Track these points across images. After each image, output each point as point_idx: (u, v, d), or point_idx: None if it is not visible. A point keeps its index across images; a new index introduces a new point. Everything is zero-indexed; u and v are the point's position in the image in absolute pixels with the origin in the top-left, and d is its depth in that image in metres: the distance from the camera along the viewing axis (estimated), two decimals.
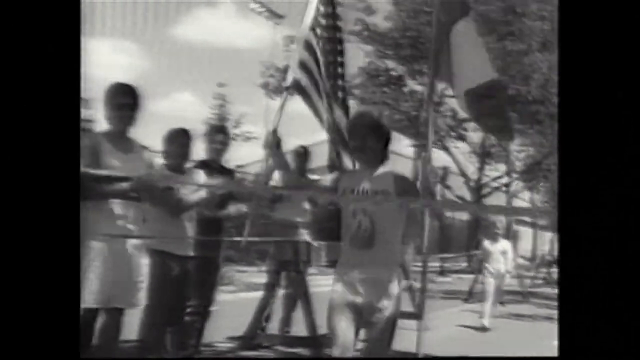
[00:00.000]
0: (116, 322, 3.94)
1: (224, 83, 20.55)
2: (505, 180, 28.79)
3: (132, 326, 4.24)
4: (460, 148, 26.41)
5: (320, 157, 5.53)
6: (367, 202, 3.47)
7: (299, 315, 5.96)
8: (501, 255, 9.63)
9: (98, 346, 3.91)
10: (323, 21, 4.48)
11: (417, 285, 8.65)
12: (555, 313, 2.41)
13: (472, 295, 12.49)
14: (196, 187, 4.48)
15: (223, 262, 5.38)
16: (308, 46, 4.35)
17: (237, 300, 9.42)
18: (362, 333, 3.48)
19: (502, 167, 28.95)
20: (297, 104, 4.53)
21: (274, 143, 3.85)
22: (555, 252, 23.03)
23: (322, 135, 4.84)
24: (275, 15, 27.92)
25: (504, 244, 9.93)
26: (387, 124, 3.74)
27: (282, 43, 20.22)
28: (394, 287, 3.41)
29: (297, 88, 4.32)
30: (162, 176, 4.30)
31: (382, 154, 3.61)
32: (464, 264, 25.45)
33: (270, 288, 6.26)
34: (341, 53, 4.67)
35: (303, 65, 4.31)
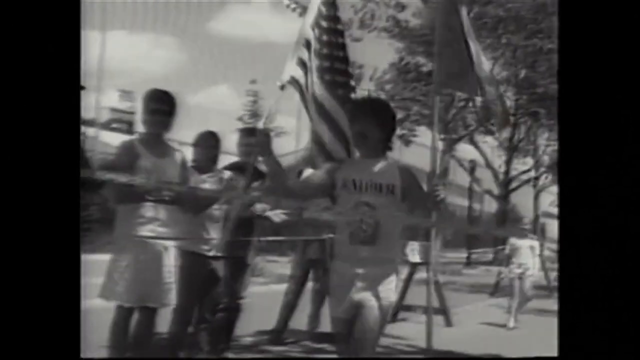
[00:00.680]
0: (149, 321, 4.00)
1: (255, 80, 20.53)
2: (533, 174, 28.46)
3: (165, 324, 4.29)
4: (488, 142, 26.18)
5: None
6: (371, 196, 3.17)
7: (326, 311, 5.94)
8: (529, 251, 9.31)
9: (132, 343, 3.98)
10: (324, 23, 4.19)
11: (441, 280, 8.67)
12: None
13: (498, 289, 12.31)
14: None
15: (255, 253, 5.37)
16: (308, 45, 4.05)
17: (268, 292, 9.44)
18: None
19: (530, 161, 28.63)
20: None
21: (265, 143, 3.42)
22: None
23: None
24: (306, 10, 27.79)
25: (531, 241, 9.65)
26: (399, 116, 3.54)
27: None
28: (392, 284, 3.19)
29: (294, 85, 4.03)
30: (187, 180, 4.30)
31: (384, 144, 3.33)
32: (491, 255, 25.25)
33: (298, 284, 6.26)
34: (340, 59, 4.29)
35: (301, 63, 4.01)
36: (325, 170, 3.41)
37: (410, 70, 20.67)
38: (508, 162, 27.99)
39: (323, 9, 4.19)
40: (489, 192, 29.33)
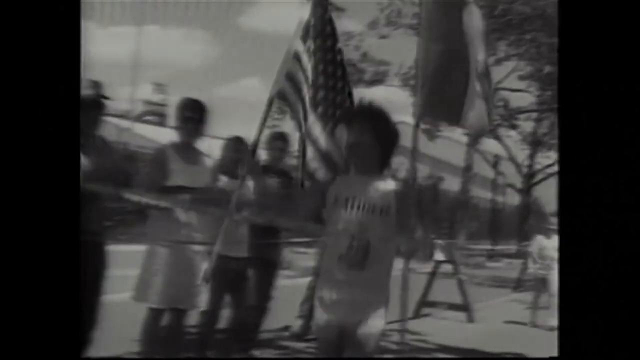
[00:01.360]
0: (179, 321, 4.06)
1: None
2: (556, 168, 28.11)
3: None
4: (512, 137, 25.93)
5: None
6: (364, 217, 2.82)
7: None
8: (553, 250, 9.10)
9: (163, 343, 4.03)
10: (317, 39, 3.66)
11: (464, 277, 8.59)
12: None
13: (521, 284, 12.15)
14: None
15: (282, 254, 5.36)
16: (297, 58, 3.57)
17: (295, 285, 9.42)
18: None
19: (554, 155, 28.27)
20: None
21: (254, 165, 3.19)
22: None
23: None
24: (336, 8, 27.75)
25: (556, 239, 9.44)
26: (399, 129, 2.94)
27: (341, 38, 20.09)
28: (381, 313, 2.85)
29: (282, 99, 3.61)
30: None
31: (382, 161, 2.92)
32: (515, 247, 25.04)
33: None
34: (334, 76, 3.69)
35: (290, 77, 3.55)
36: (312, 191, 3.15)
37: None
38: (531, 156, 27.70)
39: (313, 22, 3.71)
40: (512, 185, 29.09)
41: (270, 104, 3.59)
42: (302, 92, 3.62)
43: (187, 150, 4.11)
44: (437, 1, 3.54)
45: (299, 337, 5.90)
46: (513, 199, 31.39)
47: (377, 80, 19.12)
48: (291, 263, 11.86)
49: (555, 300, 8.94)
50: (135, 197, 3.87)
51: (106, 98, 3.75)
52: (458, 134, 22.05)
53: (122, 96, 28.63)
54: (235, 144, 4.57)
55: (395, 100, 19.16)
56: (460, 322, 8.05)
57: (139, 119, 31.51)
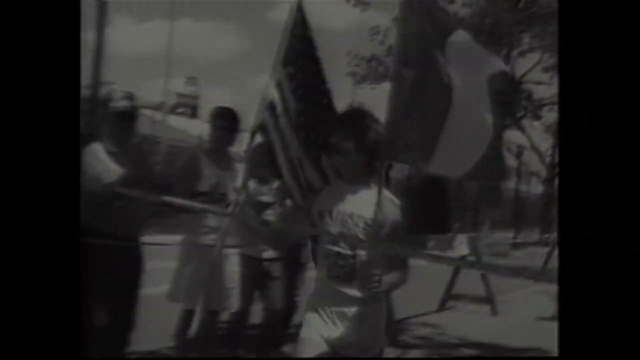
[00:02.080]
0: (211, 322, 4.12)
1: None
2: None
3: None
4: (535, 127, 25.59)
5: None
6: (349, 228, 2.64)
7: None
8: None
9: (194, 341, 4.09)
10: (299, 61, 3.13)
11: (487, 270, 8.48)
12: None
13: (544, 274, 11.95)
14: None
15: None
16: (279, 86, 3.15)
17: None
18: None
19: None
20: None
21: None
22: None
23: None
24: (361, 2, 27.57)
25: None
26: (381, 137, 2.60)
27: (367, 32, 19.98)
28: (374, 324, 2.72)
29: (263, 132, 3.19)
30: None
31: (367, 167, 2.66)
32: (537, 235, 24.76)
33: None
34: (318, 105, 3.08)
35: (271, 107, 3.14)
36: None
37: None
38: (554, 146, 27.31)
39: (298, 45, 3.15)
40: (536, 174, 28.72)
41: (252, 135, 3.23)
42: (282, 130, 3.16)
43: (219, 156, 4.17)
44: None
45: None
46: (537, 187, 31.04)
47: None
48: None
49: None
50: (169, 202, 3.90)
51: (139, 108, 3.77)
52: None
53: (155, 89, 28.80)
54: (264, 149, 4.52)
55: None
56: (483, 315, 7.99)
57: (171, 111, 31.71)
